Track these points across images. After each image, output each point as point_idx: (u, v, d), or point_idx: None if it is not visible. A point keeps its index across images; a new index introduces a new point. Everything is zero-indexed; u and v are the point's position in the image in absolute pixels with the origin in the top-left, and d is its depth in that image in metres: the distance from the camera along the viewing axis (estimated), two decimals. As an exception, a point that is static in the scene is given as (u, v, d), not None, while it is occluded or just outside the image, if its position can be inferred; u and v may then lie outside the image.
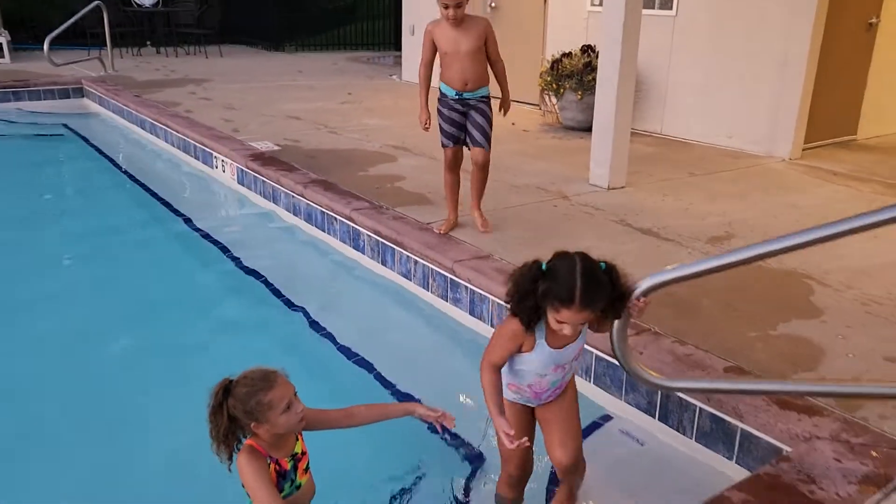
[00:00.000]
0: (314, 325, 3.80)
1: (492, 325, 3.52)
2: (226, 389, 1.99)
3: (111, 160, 7.12)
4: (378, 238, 4.25)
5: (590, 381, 3.08)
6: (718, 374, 2.68)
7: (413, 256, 3.99)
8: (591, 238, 4.18)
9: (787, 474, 2.13)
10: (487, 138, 4.05)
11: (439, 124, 4.14)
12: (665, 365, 2.75)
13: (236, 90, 9.27)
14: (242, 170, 5.78)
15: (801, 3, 6.06)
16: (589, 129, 5.78)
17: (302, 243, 4.95)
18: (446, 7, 3.81)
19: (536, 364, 2.12)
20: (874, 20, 6.87)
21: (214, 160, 6.25)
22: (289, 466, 2.09)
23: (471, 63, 3.95)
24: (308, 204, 4.93)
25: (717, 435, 2.61)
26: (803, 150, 6.55)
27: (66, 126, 8.30)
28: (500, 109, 4.20)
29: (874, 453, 2.19)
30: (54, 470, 2.70)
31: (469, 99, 4.03)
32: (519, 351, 2.11)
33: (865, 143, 7.26)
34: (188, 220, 5.36)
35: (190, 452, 2.40)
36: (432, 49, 4.04)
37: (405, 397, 3.16)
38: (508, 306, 2.05)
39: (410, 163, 5.83)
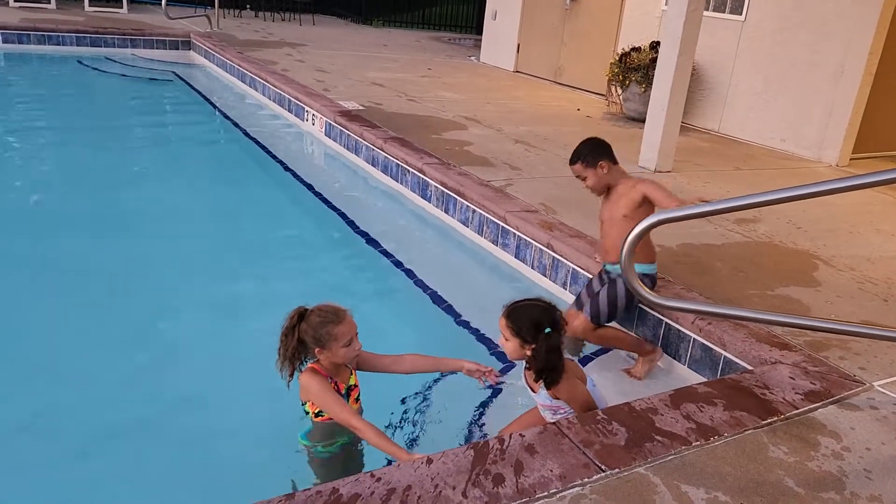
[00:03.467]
0: (385, 253, 4.50)
1: (532, 268, 4.15)
2: (300, 315, 2.33)
3: (214, 105, 8.02)
4: (444, 189, 4.90)
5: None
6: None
7: (472, 206, 4.62)
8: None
9: (746, 381, 2.70)
10: (594, 311, 3.22)
11: None
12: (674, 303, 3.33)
13: (327, 56, 10.04)
14: (330, 124, 6.51)
15: (864, 18, 6.41)
16: (647, 119, 6.27)
17: (377, 189, 5.66)
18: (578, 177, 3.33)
19: None
20: (939, 41, 7.11)
21: (306, 114, 7.01)
22: (344, 391, 2.44)
23: (608, 231, 3.29)
24: (386, 157, 5.62)
25: (705, 361, 3.18)
26: (851, 158, 6.89)
27: (175, 73, 9.23)
28: None
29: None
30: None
31: (610, 272, 3.34)
32: None
33: (917, 160, 7.52)
34: (278, 160, 6.16)
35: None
36: None
37: (457, 316, 3.82)
38: None
39: (479, 132, 6.46)
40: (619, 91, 8.13)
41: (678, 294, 3.43)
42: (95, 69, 8.99)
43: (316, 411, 2.42)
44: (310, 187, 5.61)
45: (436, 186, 5.01)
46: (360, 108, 6.82)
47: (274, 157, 6.29)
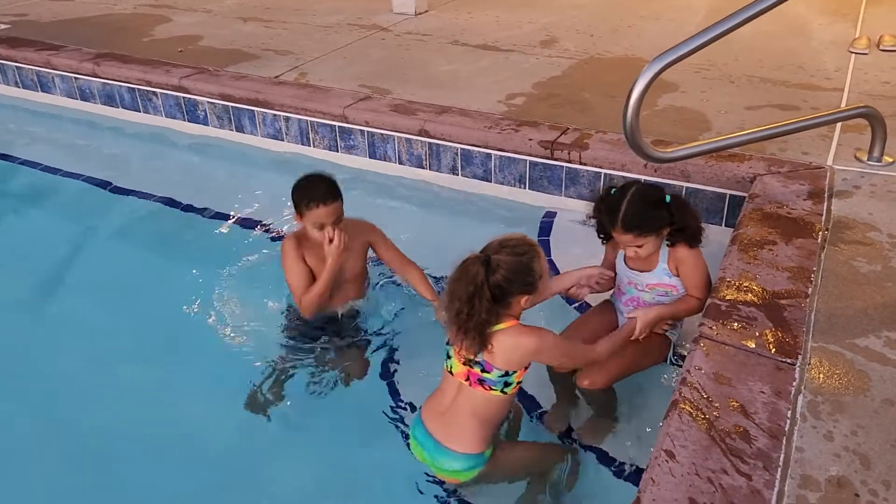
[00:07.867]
0: (186, 208, 3.43)
1: (402, 163, 3.50)
2: (487, 265, 1.69)
3: None
4: (229, 104, 3.81)
5: (525, 188, 3.28)
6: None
7: (284, 113, 3.68)
8: (442, 62, 4.20)
9: (766, 206, 2.58)
10: None
11: None
12: (608, 152, 3.05)
13: None
14: (-24, 60, 4.59)
15: None
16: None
17: (109, 130, 4.21)
18: None
19: (618, 270, 2.32)
20: None
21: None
22: None
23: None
24: (105, 83, 4.16)
25: (662, 200, 3.02)
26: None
27: None
28: None
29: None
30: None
31: None
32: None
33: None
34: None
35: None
36: None
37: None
38: None
39: (191, 20, 5.13)
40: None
41: (607, 140, 3.14)
42: None
43: (521, 379, 1.86)
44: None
45: (211, 103, 3.87)
46: (5, 26, 4.91)
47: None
